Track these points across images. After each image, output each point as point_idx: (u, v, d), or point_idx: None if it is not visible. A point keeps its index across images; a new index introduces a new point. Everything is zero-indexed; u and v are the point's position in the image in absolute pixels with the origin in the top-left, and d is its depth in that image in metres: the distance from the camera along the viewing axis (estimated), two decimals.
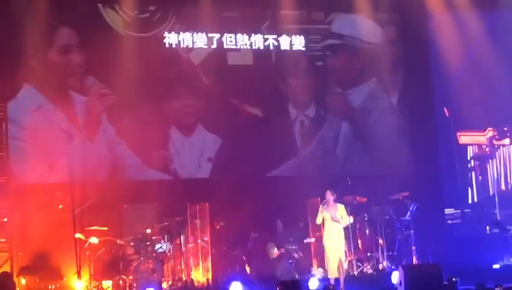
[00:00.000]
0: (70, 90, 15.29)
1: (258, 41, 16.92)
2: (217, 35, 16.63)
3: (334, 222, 14.47)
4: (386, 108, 17.66)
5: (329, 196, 14.69)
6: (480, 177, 18.48)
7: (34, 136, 14.92)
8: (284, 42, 17.11)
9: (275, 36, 17.03)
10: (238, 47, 16.69)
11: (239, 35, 16.77)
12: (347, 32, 17.14)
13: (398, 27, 17.89)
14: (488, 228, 17.77)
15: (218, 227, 16.02)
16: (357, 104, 17.39)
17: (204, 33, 16.52)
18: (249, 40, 16.84)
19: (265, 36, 16.95)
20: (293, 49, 17.11)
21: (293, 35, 17.16)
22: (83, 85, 15.27)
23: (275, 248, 16.06)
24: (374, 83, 17.45)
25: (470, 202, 18.34)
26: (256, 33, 16.84)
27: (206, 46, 16.50)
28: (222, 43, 16.65)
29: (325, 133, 17.09)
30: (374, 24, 17.52)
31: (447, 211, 18.13)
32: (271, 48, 16.96)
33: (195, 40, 16.49)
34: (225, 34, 16.68)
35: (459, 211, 18.12)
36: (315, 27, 17.34)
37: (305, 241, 16.16)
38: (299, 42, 17.24)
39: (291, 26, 17.13)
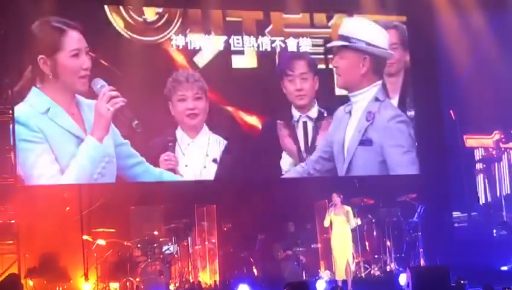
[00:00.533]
0: (77, 93, 15.27)
1: (265, 43, 16.95)
2: (224, 37, 16.66)
3: (346, 222, 14.54)
4: (392, 110, 17.58)
5: (336, 198, 14.76)
6: (486, 180, 18.43)
7: (41, 138, 14.90)
8: (291, 44, 17.12)
9: (282, 38, 17.06)
10: (245, 48, 16.73)
11: (246, 37, 16.81)
12: (352, 34, 17.05)
13: (405, 29, 17.83)
14: (494, 231, 17.74)
15: (225, 229, 16.04)
16: (362, 106, 17.30)
17: (211, 35, 16.55)
18: (256, 42, 16.88)
19: (272, 38, 16.98)
20: (300, 50, 17.11)
21: (300, 38, 17.17)
22: (91, 88, 15.25)
23: (281, 251, 16.08)
24: (380, 85, 17.36)
25: (476, 205, 18.26)
26: (263, 36, 16.89)
27: (212, 48, 16.53)
28: (229, 45, 16.68)
29: (329, 136, 17.01)
30: (379, 27, 17.44)
31: (454, 214, 18.06)
32: (278, 49, 16.99)
33: (202, 42, 16.51)
34: (232, 36, 16.72)
35: (466, 214, 18.07)
36: (319, 30, 17.34)
37: (312, 246, 16.18)
38: (306, 44, 17.24)
39: (295, 30, 17.16)
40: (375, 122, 17.11)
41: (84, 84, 15.11)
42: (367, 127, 17.06)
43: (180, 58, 16.41)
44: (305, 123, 16.88)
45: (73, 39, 14.97)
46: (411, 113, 17.74)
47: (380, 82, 17.31)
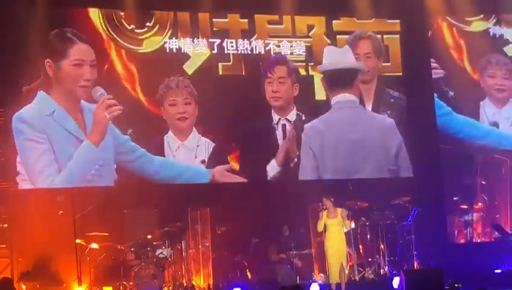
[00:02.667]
0: (80, 99, 15.51)
1: (259, 46, 17.10)
2: (212, 44, 16.85)
3: (340, 225, 14.65)
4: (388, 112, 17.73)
5: (327, 202, 14.79)
6: (485, 183, 18.42)
7: (44, 138, 14.99)
8: (285, 46, 17.26)
9: (276, 41, 17.20)
10: (234, 55, 16.93)
11: (240, 41, 16.97)
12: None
13: (379, 39, 17.89)
14: (493, 237, 17.77)
15: (219, 232, 16.04)
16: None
17: (199, 40, 16.77)
18: (250, 45, 17.05)
19: (267, 41, 17.14)
20: (294, 54, 17.29)
21: (294, 42, 17.30)
22: (91, 95, 15.45)
23: (275, 253, 16.08)
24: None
25: (475, 209, 18.25)
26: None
27: (200, 55, 16.72)
28: (217, 51, 16.86)
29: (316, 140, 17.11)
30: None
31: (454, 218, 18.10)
32: (272, 52, 17.16)
33: (191, 49, 16.68)
34: (226, 40, 16.88)
35: (462, 219, 18.07)
36: (301, 40, 17.49)
37: (305, 251, 16.18)
38: (300, 48, 17.34)
39: (278, 39, 17.31)
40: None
41: (84, 92, 15.50)
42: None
43: (170, 67, 16.58)
44: (284, 126, 17.09)
45: (80, 51, 15.40)
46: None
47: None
